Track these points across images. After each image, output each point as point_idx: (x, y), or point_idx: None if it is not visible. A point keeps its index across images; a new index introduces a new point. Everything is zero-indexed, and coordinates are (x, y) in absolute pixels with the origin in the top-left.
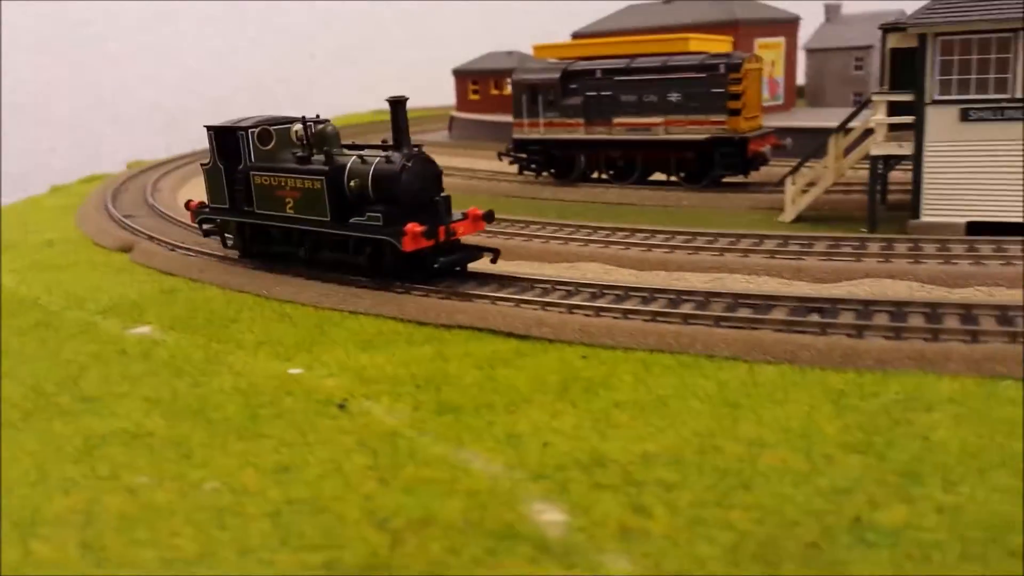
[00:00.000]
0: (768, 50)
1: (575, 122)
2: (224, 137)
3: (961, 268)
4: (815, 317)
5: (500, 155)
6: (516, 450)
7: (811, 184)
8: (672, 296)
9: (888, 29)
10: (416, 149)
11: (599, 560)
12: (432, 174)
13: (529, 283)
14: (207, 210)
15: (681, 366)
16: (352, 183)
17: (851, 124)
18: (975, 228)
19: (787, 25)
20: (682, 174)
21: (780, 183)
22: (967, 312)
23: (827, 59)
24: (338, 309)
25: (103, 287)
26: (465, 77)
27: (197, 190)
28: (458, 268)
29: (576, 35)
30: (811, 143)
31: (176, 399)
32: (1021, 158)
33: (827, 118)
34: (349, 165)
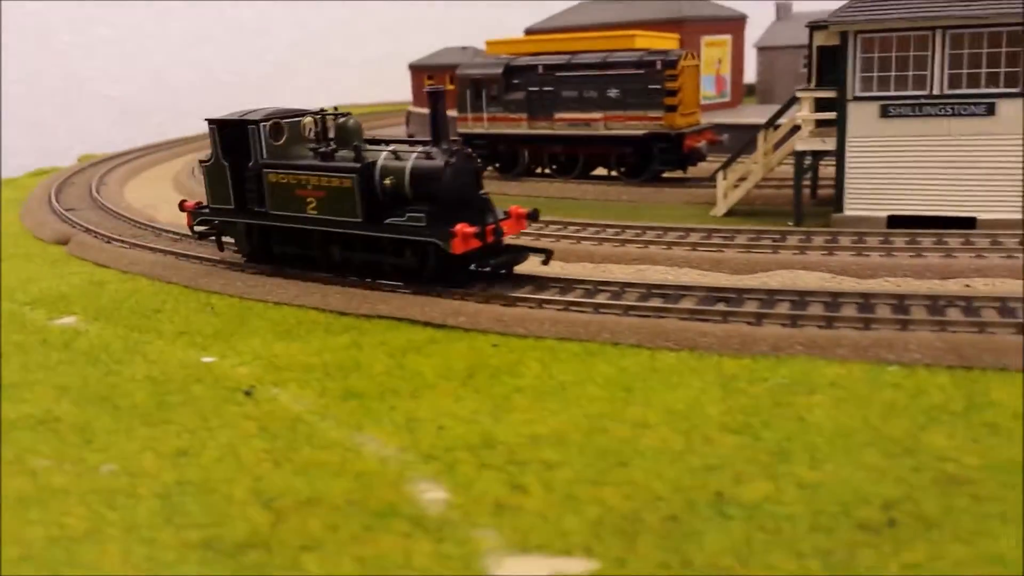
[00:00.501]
0: (715, 47)
1: (518, 117)
2: (230, 131)
3: (872, 260)
4: (720, 306)
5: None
6: (412, 434)
7: (743, 179)
8: (588, 287)
9: (814, 27)
10: (456, 143)
11: (469, 534)
12: (473, 170)
13: None
14: (207, 211)
15: (587, 353)
16: (387, 181)
17: (781, 120)
18: (895, 222)
19: (734, 23)
20: (622, 169)
21: (712, 178)
22: (864, 301)
23: (777, 57)
24: (263, 300)
25: (35, 278)
26: (421, 72)
27: (146, 185)
28: (503, 271)
29: (529, 31)
30: (749, 138)
31: (87, 386)
32: (938, 153)
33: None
34: (381, 161)
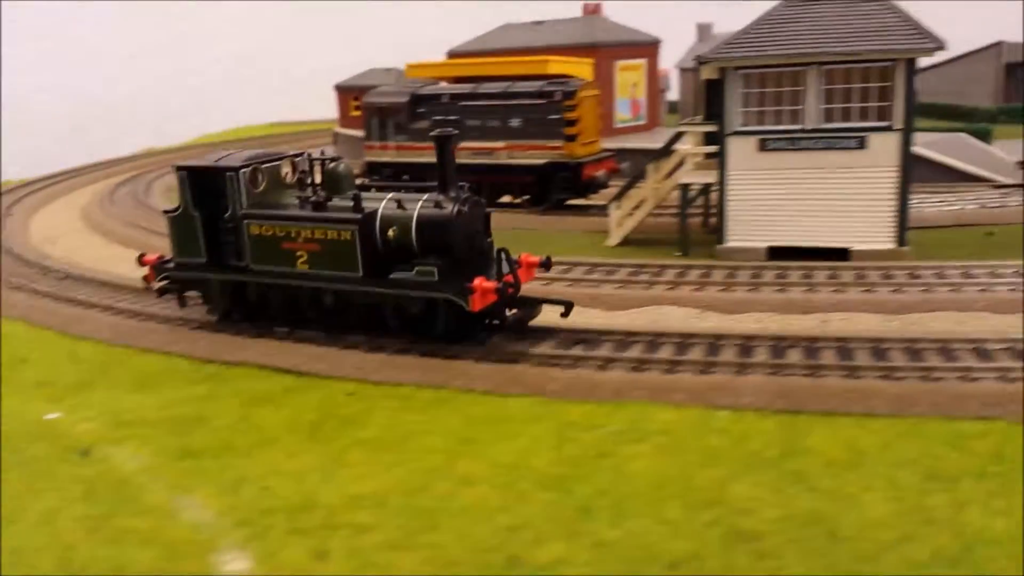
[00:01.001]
0: (629, 72)
1: (424, 145)
2: (202, 179)
3: (738, 295)
4: (577, 350)
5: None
6: (236, 495)
7: (638, 207)
8: None
9: (701, 61)
10: (464, 188)
11: None
12: (482, 216)
13: None
14: (171, 266)
15: (439, 401)
16: (391, 232)
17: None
18: (775, 253)
19: (648, 47)
20: (526, 197)
21: (605, 208)
22: (714, 342)
23: (698, 77)
24: (130, 346)
25: None
26: (347, 93)
27: (54, 214)
28: (521, 326)
29: (452, 53)
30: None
31: None
32: (814, 186)
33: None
34: (382, 210)
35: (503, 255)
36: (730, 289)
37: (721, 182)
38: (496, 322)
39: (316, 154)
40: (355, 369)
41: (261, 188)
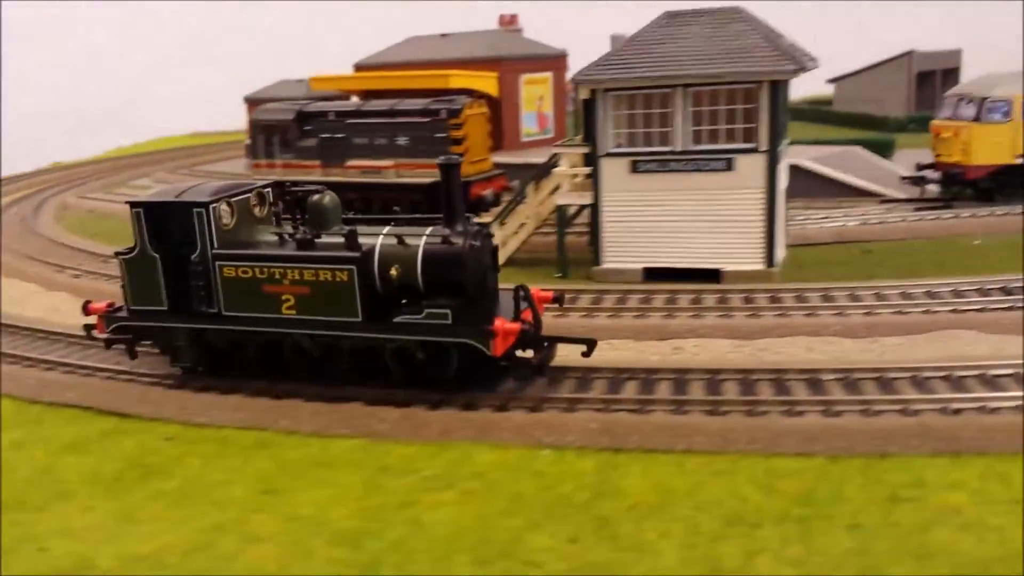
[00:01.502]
0: (535, 85)
1: (312, 164)
2: (163, 215)
3: (598, 321)
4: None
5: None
6: (12, 556)
7: (522, 227)
8: None
9: (575, 81)
10: (471, 220)
11: None
12: (492, 250)
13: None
14: (124, 315)
15: (259, 445)
16: (393, 271)
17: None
18: (650, 274)
19: (554, 60)
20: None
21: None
22: (556, 376)
23: (577, 97)
24: None
25: None
26: (256, 104)
27: None
28: (542, 368)
29: (358, 66)
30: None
31: None
32: (684, 207)
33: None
34: (379, 247)
35: (521, 293)
36: (591, 315)
37: (595, 203)
38: (506, 363)
39: (288, 185)
40: (179, 410)
41: (232, 224)
